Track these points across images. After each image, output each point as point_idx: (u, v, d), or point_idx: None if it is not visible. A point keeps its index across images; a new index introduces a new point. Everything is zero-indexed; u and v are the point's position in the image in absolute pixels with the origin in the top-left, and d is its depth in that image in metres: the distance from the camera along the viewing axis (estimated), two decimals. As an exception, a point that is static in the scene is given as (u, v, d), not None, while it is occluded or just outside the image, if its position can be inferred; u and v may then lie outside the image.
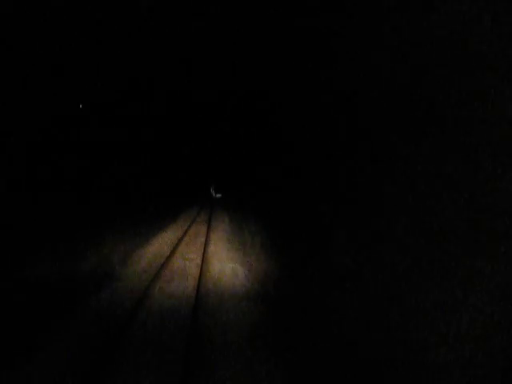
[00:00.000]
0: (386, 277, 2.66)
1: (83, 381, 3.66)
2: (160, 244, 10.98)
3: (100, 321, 5.10)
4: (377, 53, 2.72)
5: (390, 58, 2.56)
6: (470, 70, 1.91)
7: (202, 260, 8.85)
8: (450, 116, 2.06)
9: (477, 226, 1.88)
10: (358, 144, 3.24)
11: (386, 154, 2.78)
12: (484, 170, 1.85)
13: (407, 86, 2.43)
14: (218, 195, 37.50)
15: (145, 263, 8.48)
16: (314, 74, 4.08)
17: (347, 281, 3.45)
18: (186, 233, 13.26)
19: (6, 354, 3.98)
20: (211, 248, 10.40)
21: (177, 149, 15.75)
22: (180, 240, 11.71)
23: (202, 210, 22.92)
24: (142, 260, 8.80)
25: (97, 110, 5.46)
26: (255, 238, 9.16)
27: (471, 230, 1.91)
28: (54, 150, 4.98)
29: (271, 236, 7.80)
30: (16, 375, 3.69)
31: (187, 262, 8.80)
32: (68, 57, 3.81)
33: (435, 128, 2.19)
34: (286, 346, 4.05)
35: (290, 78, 5.09)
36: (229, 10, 4.62)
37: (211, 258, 9.14)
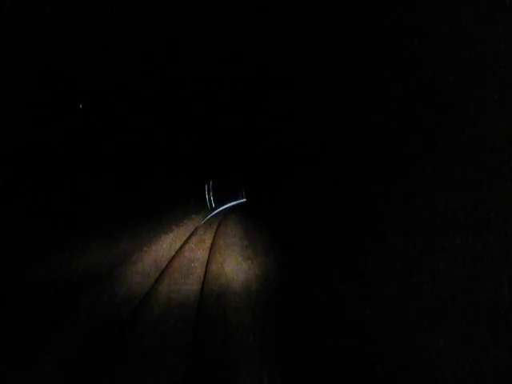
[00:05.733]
0: (385, 276, 2.59)
1: (86, 380, 3.66)
2: (166, 244, 11.03)
3: (104, 319, 5.12)
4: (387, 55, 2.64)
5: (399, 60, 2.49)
6: (474, 72, 1.84)
7: (208, 260, 8.83)
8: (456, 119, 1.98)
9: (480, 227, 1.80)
10: (361, 147, 3.17)
11: (386, 158, 2.70)
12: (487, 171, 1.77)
13: (415, 89, 2.36)
14: (231, 203, 31.09)
15: (150, 262, 8.51)
16: (322, 73, 4.02)
17: (348, 280, 3.38)
18: (192, 233, 13.30)
19: (7, 354, 4.01)
20: (217, 248, 10.40)
21: (183, 145, 15.72)
22: (186, 240, 11.74)
23: (209, 211, 23.04)
24: (147, 259, 8.84)
25: (96, 111, 5.49)
26: (260, 239, 9.13)
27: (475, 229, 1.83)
28: (54, 150, 5.02)
29: (274, 237, 7.76)
30: (17, 376, 3.72)
31: (192, 261, 8.80)
32: (63, 54, 3.83)
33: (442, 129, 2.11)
34: (289, 344, 4.00)
35: (292, 73, 5.03)
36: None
37: (216, 258, 9.13)
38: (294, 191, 5.69)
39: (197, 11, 4.53)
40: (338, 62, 3.54)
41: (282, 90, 5.81)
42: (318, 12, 3.62)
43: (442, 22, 2.02)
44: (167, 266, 8.21)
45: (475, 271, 1.76)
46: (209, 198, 25.06)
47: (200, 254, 9.59)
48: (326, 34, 3.63)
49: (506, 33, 1.62)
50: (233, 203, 32.38)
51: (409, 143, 2.37)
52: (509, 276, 1.60)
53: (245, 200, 29.80)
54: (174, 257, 9.15)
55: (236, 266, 7.98)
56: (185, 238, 12.04)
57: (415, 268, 2.27)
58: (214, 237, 12.23)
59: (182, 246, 10.63)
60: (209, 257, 9.07)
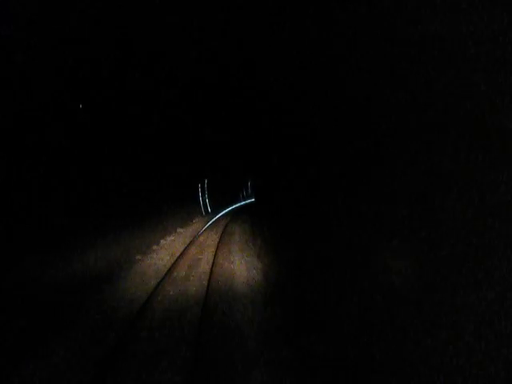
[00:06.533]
0: (387, 278, 2.59)
1: (90, 379, 3.64)
2: (169, 245, 11.02)
3: (107, 319, 5.09)
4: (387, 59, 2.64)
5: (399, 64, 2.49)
6: (474, 75, 1.84)
7: (213, 262, 8.76)
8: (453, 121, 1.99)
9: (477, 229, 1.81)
10: (361, 149, 3.17)
11: (390, 159, 2.70)
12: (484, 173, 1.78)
13: (414, 91, 2.36)
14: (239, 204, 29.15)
15: (153, 263, 8.49)
16: (325, 79, 4.01)
17: (351, 280, 3.38)
18: (198, 235, 13.27)
19: (11, 353, 3.99)
20: (221, 250, 10.39)
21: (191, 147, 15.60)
22: (191, 242, 11.71)
23: (211, 213, 22.86)
24: (150, 260, 8.84)
25: (97, 113, 5.47)
26: (265, 241, 9.14)
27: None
28: (64, 153, 4.99)
29: (279, 238, 7.76)
30: (23, 374, 3.70)
31: (197, 262, 8.78)
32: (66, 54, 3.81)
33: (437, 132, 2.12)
34: (293, 341, 4.00)
35: (296, 77, 5.03)
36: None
37: (221, 259, 9.11)
38: (299, 192, 5.68)
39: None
40: (340, 62, 3.54)
41: (283, 89, 5.81)
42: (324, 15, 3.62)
43: (445, 34, 2.02)
44: (171, 267, 8.18)
45: (478, 274, 1.77)
46: (203, 200, 23.30)
47: (205, 256, 9.57)
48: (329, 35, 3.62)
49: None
50: (238, 204, 31.64)
51: (416, 145, 2.37)
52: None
53: (251, 201, 28.86)
54: (178, 258, 9.12)
55: (240, 267, 7.98)
56: (189, 240, 12.01)
57: (417, 269, 2.27)
58: (220, 238, 12.20)
59: (186, 248, 10.60)
60: (214, 258, 9.04)
